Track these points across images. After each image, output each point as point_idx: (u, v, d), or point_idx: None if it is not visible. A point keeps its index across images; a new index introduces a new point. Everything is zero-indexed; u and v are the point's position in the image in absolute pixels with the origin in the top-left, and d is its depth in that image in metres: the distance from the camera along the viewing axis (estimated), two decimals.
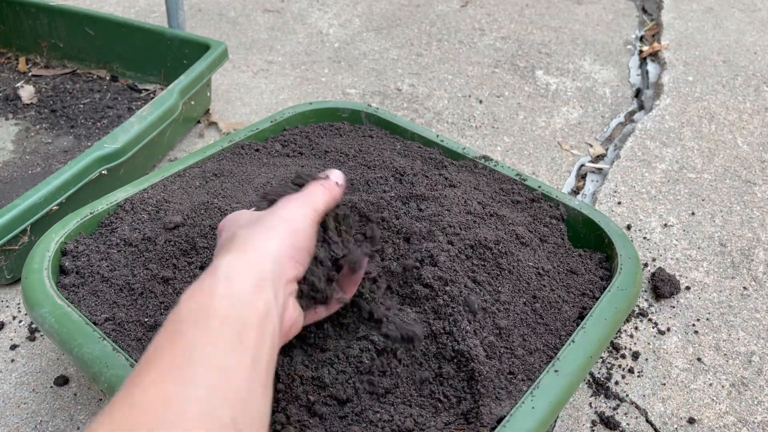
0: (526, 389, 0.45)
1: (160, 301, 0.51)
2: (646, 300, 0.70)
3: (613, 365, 0.62)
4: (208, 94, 0.97)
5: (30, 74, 1.04)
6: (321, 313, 0.44)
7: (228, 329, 0.30)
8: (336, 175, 0.44)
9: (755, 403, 0.60)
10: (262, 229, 0.37)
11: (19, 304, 0.66)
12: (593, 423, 0.57)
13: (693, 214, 0.82)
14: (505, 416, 0.43)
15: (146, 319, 0.50)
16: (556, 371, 0.45)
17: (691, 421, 0.58)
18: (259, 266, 0.35)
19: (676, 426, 0.57)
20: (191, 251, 0.54)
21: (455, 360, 0.45)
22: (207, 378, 0.28)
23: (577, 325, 0.51)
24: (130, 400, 0.27)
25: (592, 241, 0.61)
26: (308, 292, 0.41)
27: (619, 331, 0.66)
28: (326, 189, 0.42)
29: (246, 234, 0.37)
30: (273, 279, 0.35)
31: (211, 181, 0.64)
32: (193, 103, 0.89)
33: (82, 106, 0.96)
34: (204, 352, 0.29)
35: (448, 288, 0.48)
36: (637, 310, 0.69)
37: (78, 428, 0.55)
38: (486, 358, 0.46)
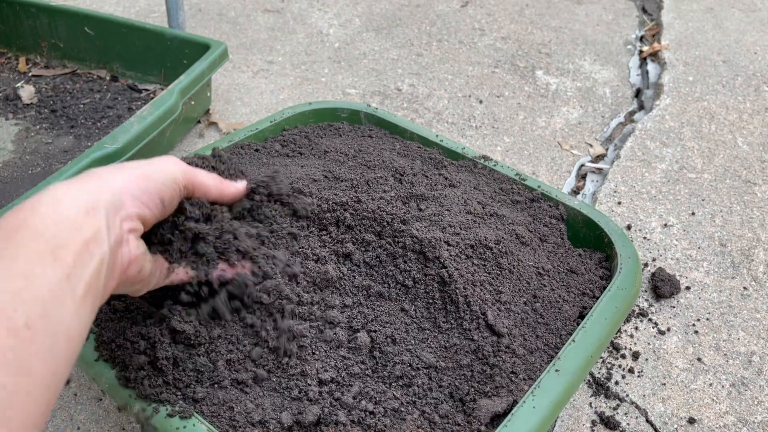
0: (527, 388, 0.45)
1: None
2: (646, 300, 0.70)
3: (613, 365, 0.62)
4: (208, 94, 0.97)
5: (30, 74, 1.04)
6: (180, 274, 0.43)
7: (40, 244, 0.30)
8: (242, 184, 0.47)
9: (755, 403, 0.60)
10: (114, 167, 0.37)
11: None
12: (593, 423, 0.57)
13: (693, 214, 0.82)
14: (504, 414, 0.43)
15: None
16: (556, 371, 0.45)
17: (691, 421, 0.58)
18: (94, 194, 0.34)
19: (676, 426, 0.57)
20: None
21: None
22: (2, 282, 0.28)
23: (578, 324, 0.51)
24: None
25: (591, 240, 0.61)
26: (157, 239, 0.41)
27: (619, 331, 0.66)
28: (217, 179, 0.44)
29: (95, 170, 0.37)
30: (107, 209, 0.34)
31: None
32: (193, 103, 0.89)
33: (82, 106, 0.96)
34: (5, 260, 0.29)
35: (449, 289, 0.48)
36: (637, 310, 0.69)
37: (78, 428, 0.55)
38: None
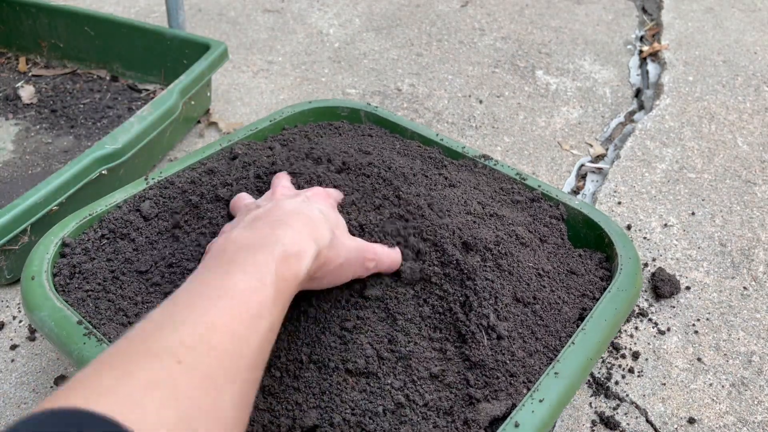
0: (526, 392, 0.45)
1: (159, 303, 0.51)
2: (646, 300, 0.70)
3: (613, 365, 0.62)
4: (208, 94, 0.97)
5: (30, 74, 1.04)
6: None
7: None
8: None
9: (755, 403, 0.60)
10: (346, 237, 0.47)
11: (19, 304, 0.66)
12: (593, 423, 0.57)
13: (693, 214, 0.82)
14: (503, 418, 0.43)
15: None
16: (556, 373, 0.45)
17: (691, 421, 0.58)
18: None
19: (676, 426, 0.57)
20: (191, 253, 0.54)
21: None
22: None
23: (577, 326, 0.51)
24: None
25: (592, 241, 0.61)
26: None
27: (619, 331, 0.66)
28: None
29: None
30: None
31: None
32: (193, 103, 0.89)
33: (82, 106, 0.96)
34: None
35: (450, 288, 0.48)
36: (637, 310, 0.69)
37: None
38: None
